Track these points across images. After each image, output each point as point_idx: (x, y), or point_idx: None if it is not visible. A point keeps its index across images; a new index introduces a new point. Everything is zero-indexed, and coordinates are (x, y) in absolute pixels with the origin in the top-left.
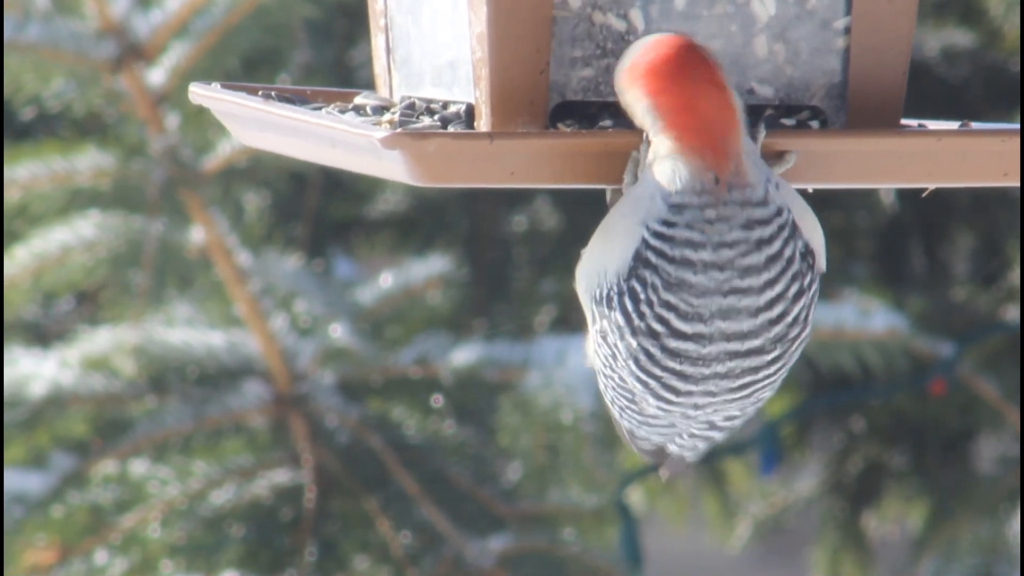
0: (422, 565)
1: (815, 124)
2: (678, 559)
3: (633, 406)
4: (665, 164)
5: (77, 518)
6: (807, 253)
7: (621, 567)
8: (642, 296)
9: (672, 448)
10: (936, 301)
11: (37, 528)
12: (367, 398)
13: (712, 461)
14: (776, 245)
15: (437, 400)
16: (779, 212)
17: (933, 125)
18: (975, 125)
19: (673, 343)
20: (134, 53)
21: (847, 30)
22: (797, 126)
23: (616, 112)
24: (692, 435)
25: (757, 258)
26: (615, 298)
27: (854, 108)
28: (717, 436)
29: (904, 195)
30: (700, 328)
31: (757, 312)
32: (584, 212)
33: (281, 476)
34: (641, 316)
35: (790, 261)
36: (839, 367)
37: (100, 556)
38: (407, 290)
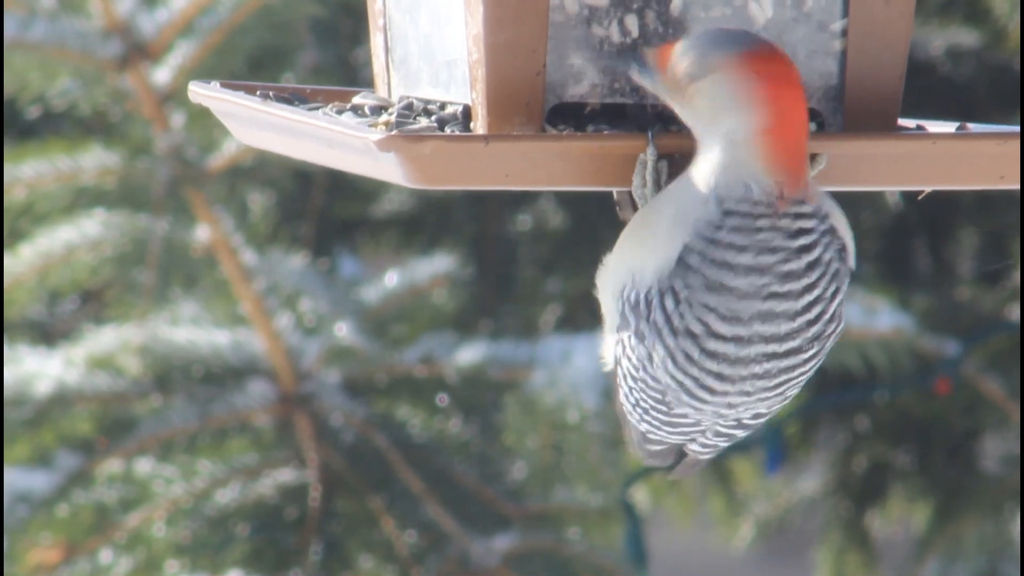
0: (427, 564)
1: (812, 126)
2: (683, 558)
3: (661, 406)
4: (735, 168)
5: (82, 517)
6: (842, 250)
7: (626, 566)
8: (682, 296)
9: (692, 448)
10: (941, 300)
11: (42, 527)
12: (372, 397)
13: (718, 460)
14: (817, 251)
15: (442, 399)
16: (823, 220)
17: (931, 127)
18: (972, 127)
19: (712, 344)
20: (140, 52)
21: (844, 32)
22: None
23: (611, 114)
24: (717, 433)
25: (798, 264)
26: (655, 298)
27: (851, 110)
28: (741, 434)
29: (908, 195)
30: (739, 331)
31: (795, 316)
32: (589, 211)
33: (286, 475)
34: (681, 317)
35: (828, 264)
36: (844, 366)
37: (105, 555)
38: (412, 289)
